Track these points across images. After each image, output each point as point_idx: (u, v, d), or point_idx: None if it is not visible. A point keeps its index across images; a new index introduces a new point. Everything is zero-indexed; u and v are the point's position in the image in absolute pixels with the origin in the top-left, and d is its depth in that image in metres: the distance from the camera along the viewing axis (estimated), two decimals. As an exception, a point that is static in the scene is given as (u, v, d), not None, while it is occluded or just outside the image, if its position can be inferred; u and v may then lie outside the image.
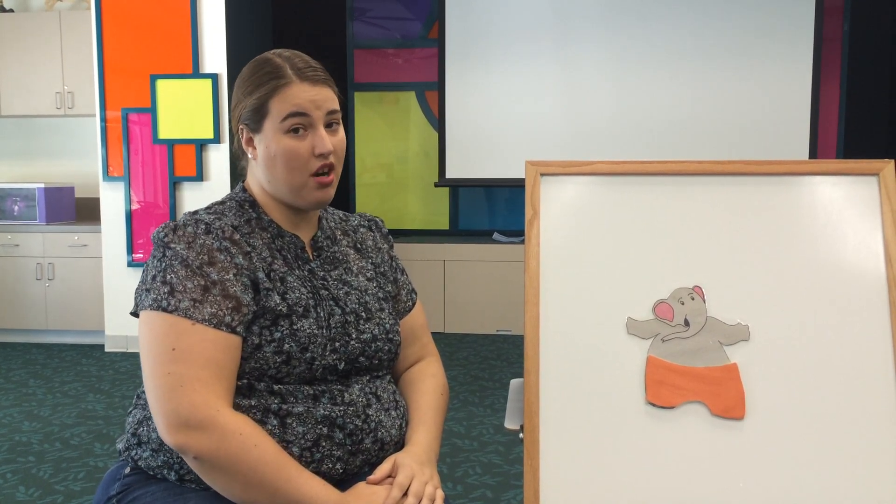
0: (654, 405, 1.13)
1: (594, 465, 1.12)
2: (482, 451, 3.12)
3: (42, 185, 4.99)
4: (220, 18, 4.62)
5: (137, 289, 1.19)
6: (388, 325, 1.32)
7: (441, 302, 5.22)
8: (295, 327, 1.19)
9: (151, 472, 1.21)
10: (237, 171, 1.35)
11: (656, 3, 5.20)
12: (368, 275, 1.35)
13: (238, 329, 1.15)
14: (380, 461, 1.23)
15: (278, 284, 1.21)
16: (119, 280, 4.76)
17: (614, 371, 1.15)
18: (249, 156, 1.27)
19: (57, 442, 3.22)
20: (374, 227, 1.44)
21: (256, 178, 1.28)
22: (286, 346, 1.17)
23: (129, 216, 4.73)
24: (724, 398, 1.12)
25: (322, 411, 1.19)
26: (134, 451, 1.23)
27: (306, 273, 1.26)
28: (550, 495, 1.11)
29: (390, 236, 1.47)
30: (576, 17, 5.29)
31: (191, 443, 1.08)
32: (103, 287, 4.80)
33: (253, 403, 1.17)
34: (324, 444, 1.18)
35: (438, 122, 5.51)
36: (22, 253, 4.96)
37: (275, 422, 1.16)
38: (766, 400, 1.12)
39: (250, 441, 1.09)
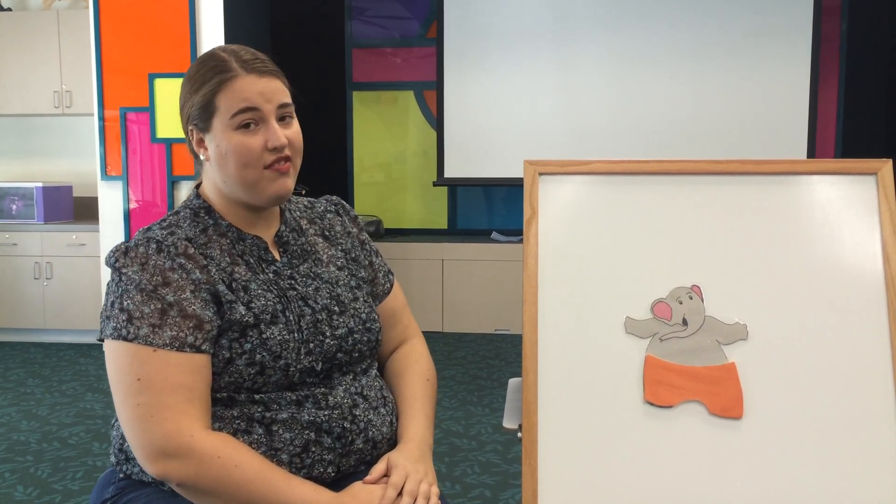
0: (652, 404, 1.13)
1: (592, 465, 1.12)
2: (480, 450, 3.12)
3: (40, 185, 4.98)
4: (218, 17, 4.61)
5: (101, 314, 1.15)
6: (364, 315, 1.27)
7: (439, 301, 5.22)
8: (264, 336, 1.15)
9: (145, 482, 1.20)
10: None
11: (655, 3, 5.20)
12: (339, 263, 1.31)
13: (203, 347, 1.12)
14: (374, 459, 1.22)
15: (241, 294, 1.17)
16: (117, 279, 4.75)
17: (612, 370, 1.15)
18: (202, 157, 1.21)
19: (55, 441, 3.22)
20: (341, 212, 1.39)
21: (211, 181, 1.23)
22: (258, 356, 1.14)
23: (128, 215, 4.72)
24: (723, 397, 1.12)
25: (307, 416, 1.17)
26: (124, 466, 1.22)
27: (271, 276, 1.22)
28: (549, 494, 1.11)
29: (358, 218, 1.42)
30: (574, 17, 5.29)
31: (170, 472, 1.07)
32: (101, 286, 4.80)
33: (235, 414, 1.15)
34: (313, 448, 1.17)
35: (437, 122, 5.51)
36: (20, 252, 4.95)
37: (260, 430, 1.15)
38: (765, 399, 1.12)
39: (230, 462, 1.08)
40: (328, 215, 1.36)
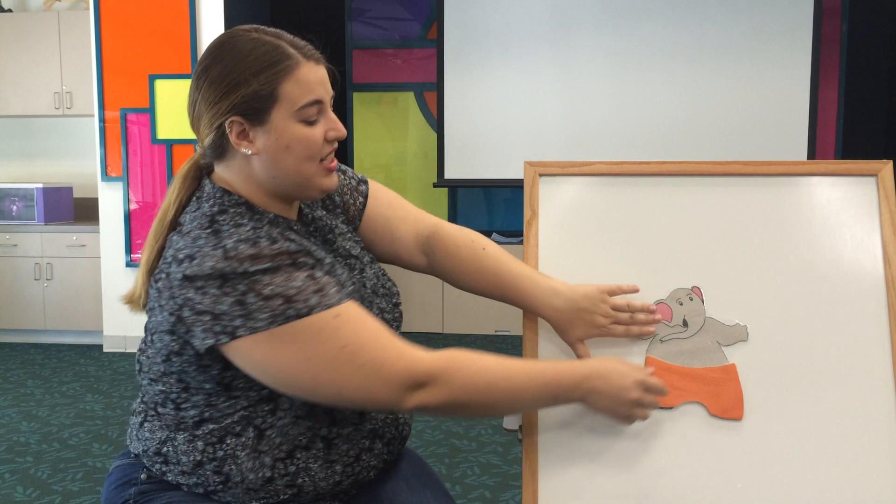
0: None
1: (592, 466, 1.12)
2: (481, 451, 3.12)
3: (40, 186, 4.98)
4: (218, 18, 4.62)
5: (199, 323, 1.01)
6: (389, 291, 1.23)
7: (440, 303, 5.21)
8: None
9: (175, 484, 1.14)
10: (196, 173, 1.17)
11: (655, 5, 5.20)
12: (349, 235, 1.25)
13: (354, 296, 1.08)
14: (398, 455, 1.25)
15: (341, 276, 1.12)
16: (117, 280, 4.76)
17: (613, 371, 1.14)
18: (246, 151, 1.08)
19: (55, 442, 3.22)
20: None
21: (245, 175, 1.11)
22: None
23: (128, 216, 4.72)
24: (723, 399, 1.12)
25: (369, 425, 1.15)
26: (158, 467, 1.15)
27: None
28: (549, 495, 1.11)
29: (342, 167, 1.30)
30: (575, 19, 5.29)
31: (427, 400, 1.03)
32: (102, 287, 4.80)
33: (303, 429, 1.10)
34: (364, 457, 1.16)
35: (437, 123, 5.51)
36: (20, 253, 4.95)
37: (321, 445, 1.11)
38: (765, 400, 1.12)
39: (471, 369, 1.04)
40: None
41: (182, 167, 1.16)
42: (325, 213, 1.23)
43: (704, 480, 1.10)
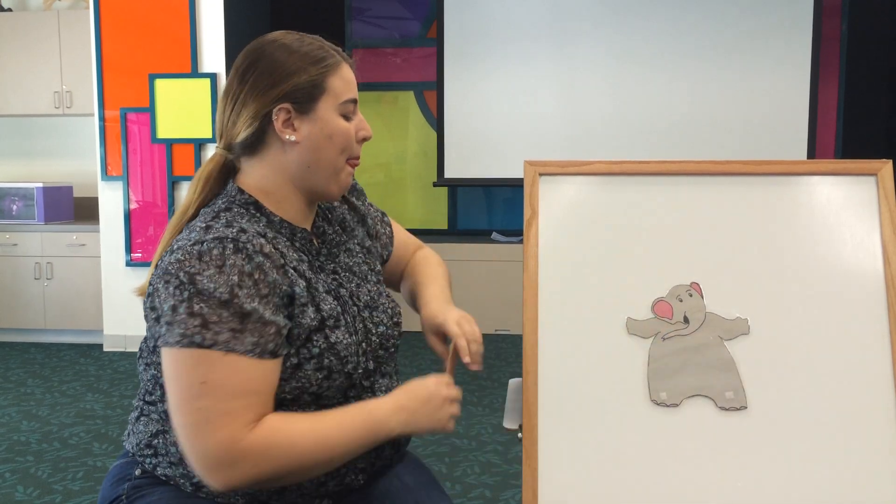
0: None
1: (593, 466, 1.12)
2: (481, 450, 3.13)
3: (40, 185, 4.98)
4: (218, 18, 4.62)
5: (151, 317, 1.08)
6: (390, 310, 1.27)
7: (440, 301, 5.21)
8: (331, 340, 1.12)
9: (165, 479, 1.17)
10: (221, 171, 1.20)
11: (655, 4, 5.20)
12: (360, 257, 1.29)
13: (280, 352, 1.07)
14: (395, 461, 1.28)
15: (315, 294, 1.13)
16: (117, 280, 4.76)
17: (615, 371, 1.15)
18: (290, 138, 1.13)
19: (55, 441, 3.22)
20: (352, 194, 1.36)
21: (280, 167, 1.15)
22: (325, 360, 1.11)
23: (128, 216, 4.72)
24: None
25: None
26: (148, 460, 1.18)
27: (329, 273, 1.20)
28: (549, 495, 1.11)
29: (358, 185, 1.39)
30: (575, 18, 5.29)
31: (232, 480, 1.02)
32: (102, 286, 4.80)
33: None
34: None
35: (437, 122, 5.51)
36: (20, 252, 4.95)
37: None
38: (766, 394, 1.13)
39: (284, 445, 1.04)
40: (339, 206, 1.33)
41: (204, 168, 1.19)
42: (340, 230, 1.29)
43: (705, 477, 1.10)
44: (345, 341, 1.13)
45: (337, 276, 1.21)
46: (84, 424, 3.43)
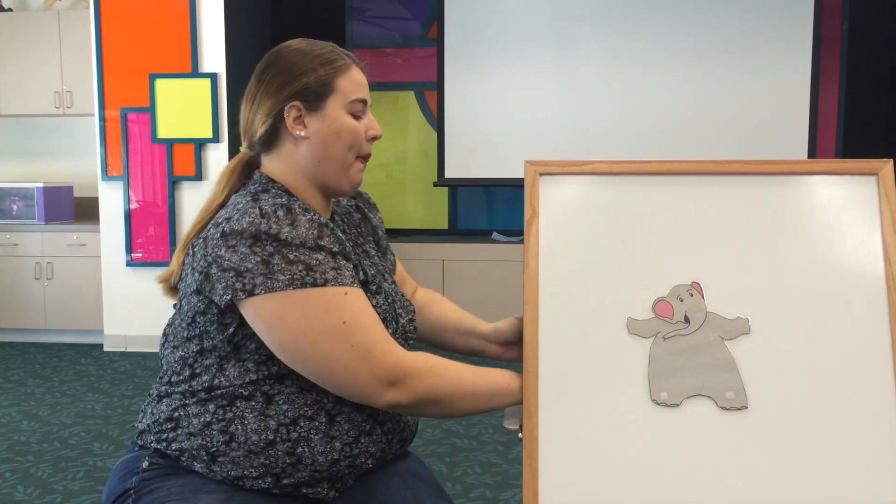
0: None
1: (593, 466, 1.12)
2: (481, 450, 3.13)
3: (41, 185, 4.99)
4: (219, 18, 4.62)
5: (231, 276, 1.10)
6: (410, 308, 1.33)
7: (440, 301, 5.22)
8: (372, 303, 1.19)
9: (177, 457, 1.18)
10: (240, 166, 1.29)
11: (655, 3, 5.20)
12: (374, 252, 1.37)
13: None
14: (399, 455, 1.32)
15: (359, 259, 1.23)
16: (118, 280, 4.76)
17: (615, 371, 1.15)
18: (300, 134, 1.21)
19: (56, 441, 3.22)
20: (361, 205, 1.44)
21: (290, 163, 1.23)
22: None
23: (128, 216, 4.73)
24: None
25: (369, 409, 1.20)
26: (165, 435, 1.19)
27: (359, 256, 1.27)
28: (549, 495, 1.11)
29: (372, 202, 1.50)
30: (575, 17, 5.29)
31: (400, 397, 1.12)
32: (102, 287, 4.80)
33: (309, 401, 1.17)
34: (363, 440, 1.20)
35: (437, 122, 5.51)
36: (21, 252, 4.96)
37: (323, 419, 1.17)
38: (767, 393, 1.12)
39: (440, 368, 1.15)
40: (355, 215, 1.41)
41: (229, 163, 1.29)
42: (356, 233, 1.35)
43: (705, 476, 1.10)
44: (383, 306, 1.22)
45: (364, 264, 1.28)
46: (84, 424, 3.43)
